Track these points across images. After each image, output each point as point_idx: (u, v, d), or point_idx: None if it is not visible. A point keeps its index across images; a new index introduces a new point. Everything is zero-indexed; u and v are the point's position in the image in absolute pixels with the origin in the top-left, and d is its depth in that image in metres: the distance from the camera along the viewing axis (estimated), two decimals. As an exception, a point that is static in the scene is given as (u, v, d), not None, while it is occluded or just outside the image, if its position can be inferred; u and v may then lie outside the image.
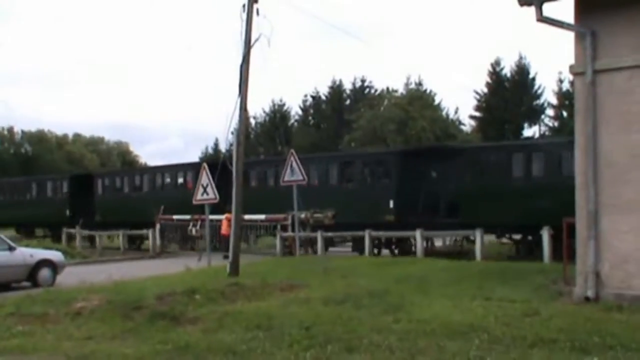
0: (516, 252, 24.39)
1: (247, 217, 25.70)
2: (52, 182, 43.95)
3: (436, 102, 65.47)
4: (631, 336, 8.43)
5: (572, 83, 25.56)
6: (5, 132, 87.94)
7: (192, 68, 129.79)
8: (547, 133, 60.54)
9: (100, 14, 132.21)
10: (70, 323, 10.98)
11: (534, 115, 62.50)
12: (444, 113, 65.53)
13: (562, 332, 8.73)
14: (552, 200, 19.67)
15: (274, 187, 22.78)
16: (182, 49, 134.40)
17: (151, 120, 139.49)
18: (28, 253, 19.86)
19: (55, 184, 43.34)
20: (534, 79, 62.59)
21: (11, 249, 19.22)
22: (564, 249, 13.46)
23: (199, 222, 30.05)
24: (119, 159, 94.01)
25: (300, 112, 75.51)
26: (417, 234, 23.22)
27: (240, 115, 17.56)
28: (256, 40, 17.21)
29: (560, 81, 60.07)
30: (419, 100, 61.71)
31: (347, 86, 73.58)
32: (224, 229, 27.01)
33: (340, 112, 70.38)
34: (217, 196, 21.17)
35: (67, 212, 39.96)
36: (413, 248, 25.08)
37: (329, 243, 28.25)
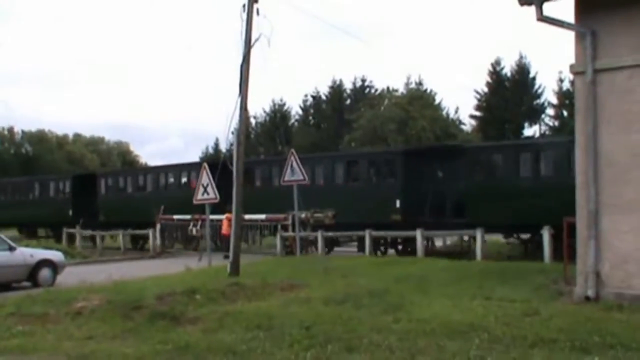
0: (524, 251, 24.21)
1: (247, 216, 25.73)
2: (55, 182, 43.89)
3: (436, 101, 65.56)
4: (631, 336, 8.42)
5: (572, 82, 25.53)
6: (6, 132, 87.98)
7: (192, 68, 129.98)
8: (547, 132, 60.55)
9: (100, 13, 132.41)
10: (70, 323, 10.98)
11: (535, 114, 62.51)
12: (444, 113, 65.59)
13: (563, 331, 8.72)
14: (561, 199, 19.62)
15: (278, 187, 22.79)
16: (182, 49, 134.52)
17: (151, 120, 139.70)
18: (28, 253, 19.87)
19: (58, 184, 43.29)
20: (534, 78, 62.66)
21: (11, 249, 19.23)
22: (565, 249, 13.46)
23: (199, 222, 30.07)
24: (119, 159, 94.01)
25: (300, 111, 75.62)
26: (418, 233, 23.19)
27: (240, 115, 17.56)
28: (256, 40, 17.22)
29: (561, 80, 60.15)
30: (419, 99, 61.75)
31: (348, 86, 73.75)
32: (224, 229, 27.03)
33: (341, 111, 70.40)
34: (218, 196, 21.17)
35: (70, 212, 39.91)
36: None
37: (334, 243, 28.26)
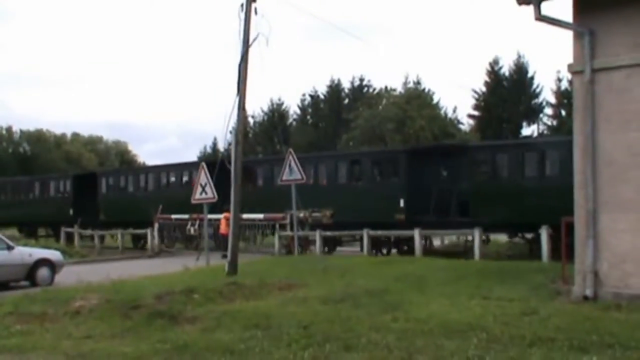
0: (529, 250, 24.15)
1: (245, 216, 25.71)
2: (55, 182, 43.85)
3: (434, 101, 65.52)
4: (629, 335, 8.43)
5: (570, 82, 25.60)
6: (4, 132, 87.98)
7: (190, 67, 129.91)
8: (545, 132, 60.60)
9: (99, 13, 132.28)
10: (69, 322, 10.99)
11: (533, 114, 62.57)
12: (442, 112, 65.56)
13: (561, 331, 8.73)
14: (565, 199, 19.55)
15: (280, 186, 22.79)
16: (180, 49, 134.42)
17: (149, 119, 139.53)
18: (26, 252, 19.89)
19: (58, 183, 43.25)
20: (532, 77, 62.73)
21: (9, 248, 19.25)
22: (563, 248, 13.47)
23: (197, 222, 30.07)
24: (117, 159, 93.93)
25: (298, 111, 75.55)
26: (416, 233, 23.20)
27: (238, 115, 17.58)
28: (254, 39, 17.25)
29: (559, 80, 60.22)
30: (417, 99, 61.71)
31: (346, 85, 73.72)
32: (222, 228, 27.03)
33: (339, 111, 70.40)
34: (216, 195, 21.15)
35: (70, 212, 39.85)
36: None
37: (336, 243, 28.24)
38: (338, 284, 13.75)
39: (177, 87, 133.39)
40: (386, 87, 69.26)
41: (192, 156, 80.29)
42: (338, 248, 28.25)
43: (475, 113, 65.28)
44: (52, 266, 19.88)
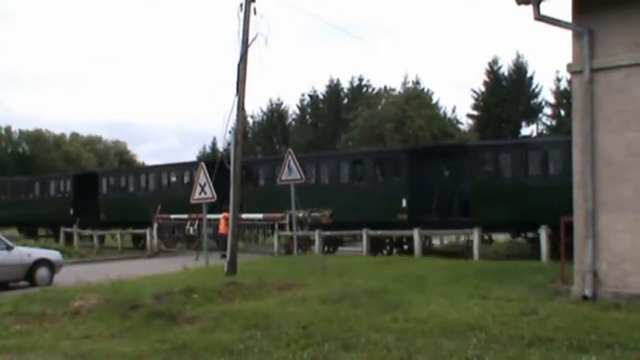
0: (531, 250, 24.10)
1: (244, 216, 25.70)
2: (55, 182, 43.77)
3: (433, 100, 65.45)
4: (628, 334, 8.44)
5: (569, 82, 25.60)
6: (3, 132, 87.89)
7: (190, 67, 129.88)
8: (544, 132, 60.59)
9: (99, 13, 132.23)
10: (68, 322, 10.99)
11: (532, 114, 62.53)
12: (441, 112, 65.49)
13: (560, 330, 8.73)
14: (567, 198, 19.51)
15: (281, 186, 22.78)
16: (180, 49, 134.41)
17: (149, 119, 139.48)
18: (26, 252, 19.89)
19: (59, 183, 43.17)
20: (531, 77, 62.66)
21: (9, 248, 19.24)
22: (562, 248, 13.47)
23: (196, 222, 30.06)
24: (116, 159, 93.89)
25: (297, 111, 75.49)
26: (415, 232, 23.20)
27: (237, 115, 17.59)
28: (253, 39, 17.27)
29: (558, 80, 60.12)
30: (416, 99, 61.67)
31: (345, 85, 73.62)
32: (221, 228, 27.02)
33: (338, 111, 70.36)
34: (215, 195, 21.14)
35: (71, 212, 39.80)
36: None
37: (338, 242, 28.21)
38: (337, 284, 13.75)
39: (176, 87, 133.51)
40: (385, 87, 69.28)
41: (191, 156, 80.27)
42: (340, 248, 28.22)
43: (475, 113, 65.24)
44: (51, 266, 19.87)
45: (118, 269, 20.11)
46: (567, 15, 11.68)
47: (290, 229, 25.61)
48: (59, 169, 70.19)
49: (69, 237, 37.69)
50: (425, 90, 65.73)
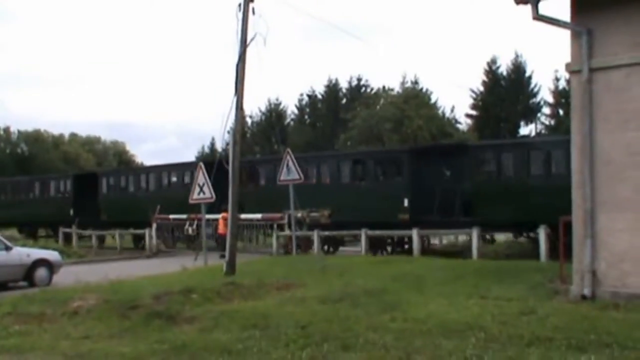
0: (533, 250, 24.04)
1: (243, 216, 25.68)
2: (56, 182, 43.62)
3: (432, 100, 65.43)
4: (627, 334, 8.43)
5: (568, 81, 25.55)
6: (2, 132, 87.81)
7: (189, 67, 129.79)
8: (543, 131, 60.58)
9: (99, 13, 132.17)
10: (67, 322, 10.99)
11: (530, 113, 62.53)
12: (440, 112, 65.49)
13: (559, 330, 8.73)
14: (571, 198, 19.42)
15: (284, 185, 22.77)
16: (179, 49, 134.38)
17: (149, 119, 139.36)
18: (25, 253, 19.89)
19: (59, 184, 43.04)
20: (530, 77, 62.66)
21: (7, 248, 19.24)
22: (561, 248, 13.48)
23: (195, 222, 30.05)
24: (115, 159, 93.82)
25: (296, 111, 75.50)
26: (414, 232, 23.19)
27: (236, 115, 17.59)
28: (252, 39, 17.27)
29: (557, 79, 60.08)
30: (414, 98, 61.65)
31: (343, 85, 73.61)
32: (220, 228, 27.01)
33: (336, 111, 70.35)
34: (214, 195, 21.14)
35: (71, 212, 39.72)
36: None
37: (339, 242, 28.18)
38: (336, 284, 13.75)
39: (176, 87, 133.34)
40: (384, 87, 69.29)
41: (190, 156, 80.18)
42: (341, 248, 28.20)
43: (473, 112, 65.22)
44: (50, 266, 19.87)
45: (117, 269, 20.11)
46: (565, 15, 11.68)
47: (290, 229, 25.62)
48: (58, 170, 70.12)
49: (68, 238, 37.63)
50: (424, 90, 65.76)
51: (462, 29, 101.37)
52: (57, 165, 79.52)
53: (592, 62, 11.35)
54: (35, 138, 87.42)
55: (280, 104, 75.32)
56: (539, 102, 62.82)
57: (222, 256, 19.68)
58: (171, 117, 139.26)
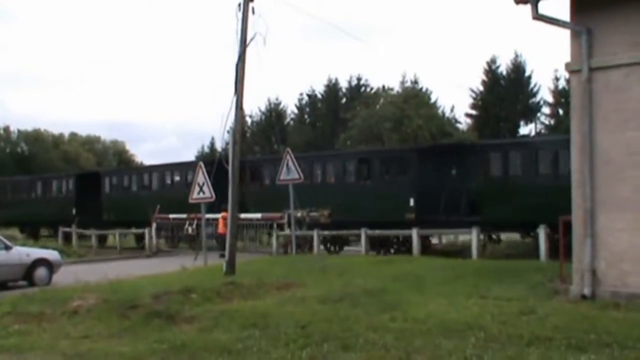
0: (535, 250, 23.97)
1: (242, 215, 25.66)
2: (57, 181, 43.53)
3: (432, 100, 65.42)
4: (627, 334, 8.43)
5: (568, 81, 25.56)
6: (2, 132, 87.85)
7: (189, 67, 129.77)
8: (543, 131, 60.58)
9: (99, 13, 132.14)
10: (66, 322, 10.99)
11: (530, 113, 62.52)
12: (439, 111, 65.45)
13: (559, 330, 8.73)
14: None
15: (286, 185, 22.74)
16: (179, 48, 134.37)
17: (149, 119, 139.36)
18: (24, 252, 19.89)
19: (61, 183, 42.96)
20: (529, 76, 62.64)
21: (7, 248, 19.24)
22: (561, 247, 13.47)
23: (195, 221, 30.04)
24: (115, 158, 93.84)
25: (296, 110, 75.47)
26: (414, 232, 23.18)
27: (236, 114, 17.59)
28: (252, 39, 17.27)
29: (556, 79, 60.05)
30: (414, 98, 61.63)
31: (343, 85, 73.55)
32: (220, 228, 27.01)
33: (336, 110, 70.33)
34: (213, 195, 21.14)
35: (73, 211, 39.67)
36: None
37: (344, 242, 28.14)
38: (336, 284, 13.74)
39: (176, 87, 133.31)
40: (383, 87, 69.26)
41: (190, 156, 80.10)
42: (345, 247, 28.15)
43: (473, 112, 65.20)
44: (50, 266, 19.86)
45: (117, 268, 20.11)
46: (565, 15, 11.68)
47: (290, 228, 25.62)
48: (58, 169, 70.11)
49: (68, 237, 37.60)
50: (424, 89, 65.74)
51: (462, 28, 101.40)
52: (57, 164, 79.53)
53: (592, 61, 11.35)
54: (35, 137, 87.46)
55: (280, 103, 75.38)
56: (538, 102, 62.84)
57: (222, 256, 19.67)
58: (171, 117, 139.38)
